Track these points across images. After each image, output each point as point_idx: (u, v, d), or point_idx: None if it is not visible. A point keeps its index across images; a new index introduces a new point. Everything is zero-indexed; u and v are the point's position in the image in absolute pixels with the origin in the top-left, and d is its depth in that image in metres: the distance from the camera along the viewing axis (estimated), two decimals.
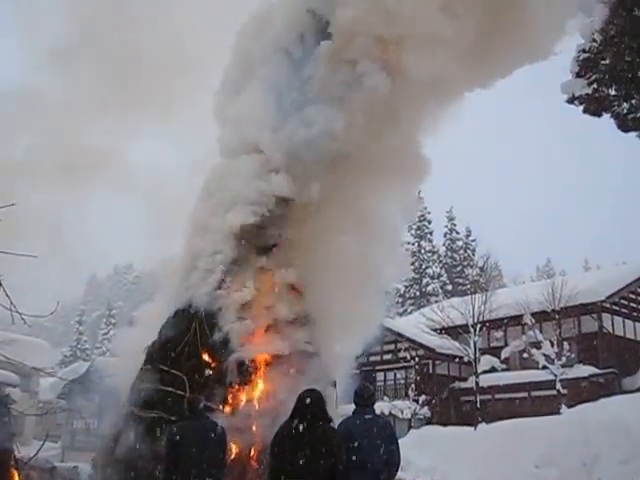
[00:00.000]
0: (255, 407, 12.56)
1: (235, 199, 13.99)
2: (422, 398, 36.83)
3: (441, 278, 64.01)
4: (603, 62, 17.97)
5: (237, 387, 12.84)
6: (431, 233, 66.75)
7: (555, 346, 30.63)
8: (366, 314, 14.51)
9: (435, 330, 37.12)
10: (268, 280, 13.90)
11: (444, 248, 68.65)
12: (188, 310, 13.46)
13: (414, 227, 65.16)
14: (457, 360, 37.68)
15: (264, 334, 13.16)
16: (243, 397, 12.83)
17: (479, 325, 33.87)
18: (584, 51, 18.03)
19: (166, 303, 14.32)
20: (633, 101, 18.22)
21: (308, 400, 7.39)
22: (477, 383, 33.43)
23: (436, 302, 44.88)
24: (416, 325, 39.02)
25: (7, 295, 6.70)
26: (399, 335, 39.17)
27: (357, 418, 8.02)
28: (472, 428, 27.44)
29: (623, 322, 36.97)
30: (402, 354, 39.36)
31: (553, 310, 32.58)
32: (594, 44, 17.81)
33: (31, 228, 16.61)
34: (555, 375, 30.06)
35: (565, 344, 30.94)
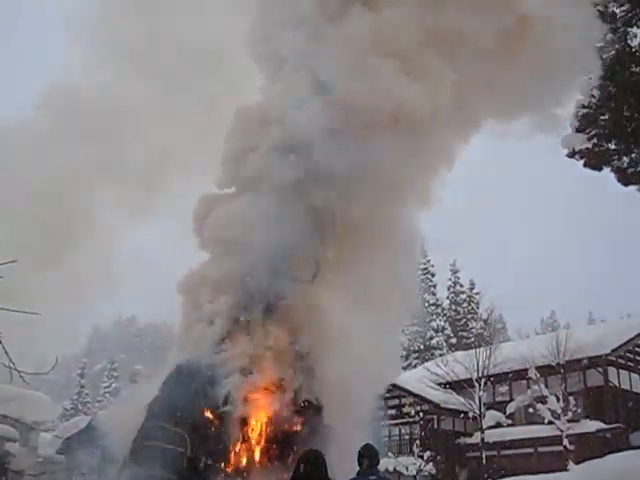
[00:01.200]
0: (256, 465, 12.43)
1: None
2: (427, 454, 36.31)
3: (445, 331, 63.64)
4: (602, 117, 18.17)
5: (238, 445, 12.72)
6: (435, 286, 66.57)
7: (561, 401, 30.31)
8: (368, 375, 14.47)
9: (439, 384, 36.79)
10: (270, 337, 13.87)
11: (448, 301, 68.42)
12: (190, 366, 13.40)
13: (417, 280, 65.04)
14: (462, 415, 37.23)
15: (265, 391, 13.08)
16: (244, 455, 12.71)
17: (484, 379, 33.56)
18: (583, 106, 18.25)
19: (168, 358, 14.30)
20: (633, 155, 18.36)
21: (306, 464, 7.14)
22: (482, 439, 33.02)
23: (440, 355, 44.50)
24: (420, 379, 38.69)
25: (6, 352, 6.65)
26: (403, 390, 38.82)
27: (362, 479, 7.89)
28: None
29: (629, 375, 36.61)
30: (406, 409, 38.97)
31: (558, 364, 32.30)
32: (593, 100, 18.03)
33: (34, 282, 16.70)
34: (561, 430, 29.68)
35: (571, 398, 30.58)
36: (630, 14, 18.09)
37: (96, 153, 18.90)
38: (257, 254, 14.07)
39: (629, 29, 18.21)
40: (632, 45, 18.16)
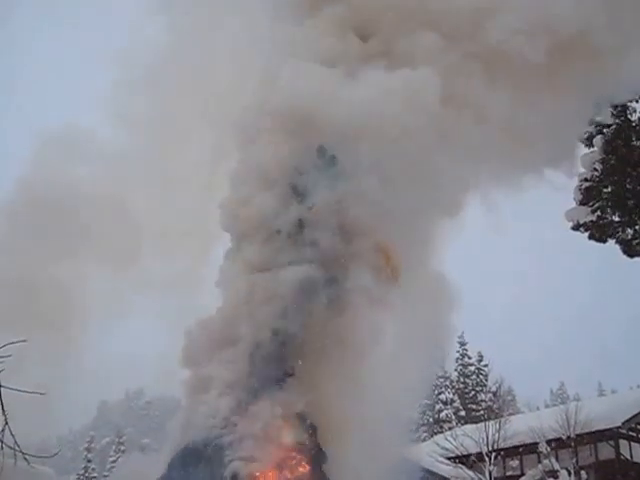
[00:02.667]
0: None
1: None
2: None
3: (454, 404, 62.91)
4: (605, 190, 18.39)
5: None
6: (442, 359, 66.08)
7: (572, 475, 29.77)
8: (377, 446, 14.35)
9: (449, 459, 36.18)
10: (281, 410, 13.79)
11: (456, 373, 67.80)
12: (196, 445, 13.28)
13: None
14: None
15: (273, 472, 12.94)
16: None
17: (494, 453, 33.02)
18: (586, 180, 18.49)
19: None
20: (637, 227, 18.50)
21: None
22: None
23: (450, 429, 43.87)
24: (430, 453, 38.09)
25: (12, 434, 6.65)
26: (413, 464, 38.13)
27: None
28: None
29: None
30: None
31: (568, 437, 31.82)
32: (595, 173, 18.27)
33: (40, 358, 16.72)
34: None
35: (582, 473, 30.07)
36: None
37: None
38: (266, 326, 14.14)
39: (629, 104, 18.55)
40: (632, 119, 18.47)
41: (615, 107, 18.51)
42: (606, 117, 18.24)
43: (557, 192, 18.89)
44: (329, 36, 16.84)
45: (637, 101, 18.53)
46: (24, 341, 6.86)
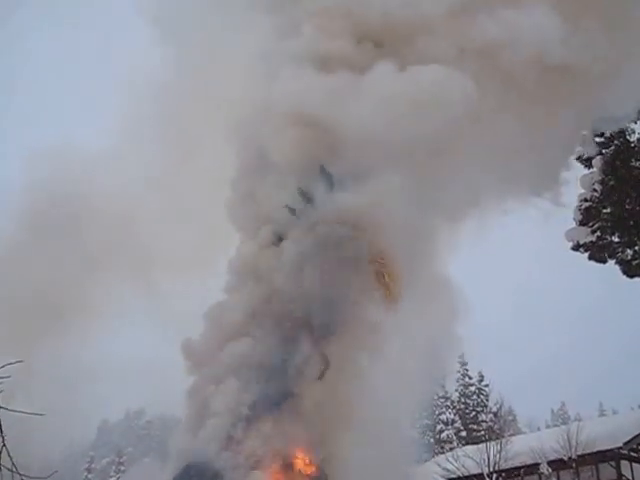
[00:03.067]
0: None
1: None
2: None
3: (455, 424, 62.66)
4: (605, 211, 18.46)
5: None
6: (443, 378, 65.87)
7: None
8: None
9: (450, 479, 36.00)
10: (281, 433, 13.76)
11: (457, 394, 67.56)
12: (197, 466, 13.24)
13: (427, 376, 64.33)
14: None
15: None
16: None
17: (495, 474, 32.87)
18: (586, 200, 18.56)
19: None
20: (637, 247, 18.57)
21: None
22: None
23: (451, 449, 43.67)
24: (431, 474, 37.89)
25: (10, 456, 6.65)
26: None
27: None
28: None
29: None
30: None
31: (570, 458, 31.68)
32: (595, 194, 18.35)
33: (41, 378, 16.71)
34: None
35: None
36: None
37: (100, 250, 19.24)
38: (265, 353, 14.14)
39: (627, 125, 18.66)
40: (631, 140, 18.57)
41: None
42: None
43: (557, 208, 18.86)
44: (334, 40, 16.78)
45: (636, 122, 18.65)
46: (21, 361, 6.88)
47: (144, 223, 19.06)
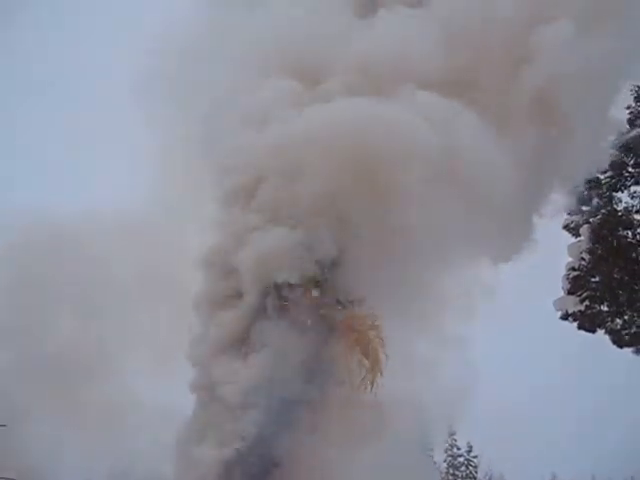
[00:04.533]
0: None
1: None
2: None
3: None
4: (593, 280, 18.38)
5: None
6: (431, 449, 64.83)
7: None
8: None
9: None
10: None
11: (445, 464, 66.47)
12: None
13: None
14: None
15: None
16: None
17: None
18: (574, 269, 18.48)
19: None
20: (626, 317, 18.42)
21: None
22: None
23: None
24: None
25: None
26: None
27: None
28: None
29: None
30: None
31: None
32: (583, 262, 18.28)
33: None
34: None
35: None
36: (614, 179, 18.61)
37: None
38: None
39: (614, 194, 18.70)
40: (618, 209, 18.59)
41: (600, 197, 18.66)
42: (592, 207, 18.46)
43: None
44: None
45: (622, 191, 18.69)
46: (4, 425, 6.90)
47: None
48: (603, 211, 18.46)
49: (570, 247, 18.80)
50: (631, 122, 18.60)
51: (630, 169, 18.51)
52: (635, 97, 18.68)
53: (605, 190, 18.61)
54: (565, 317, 18.79)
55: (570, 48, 14.32)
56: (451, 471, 65.94)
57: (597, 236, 18.05)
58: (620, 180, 18.56)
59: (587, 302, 18.37)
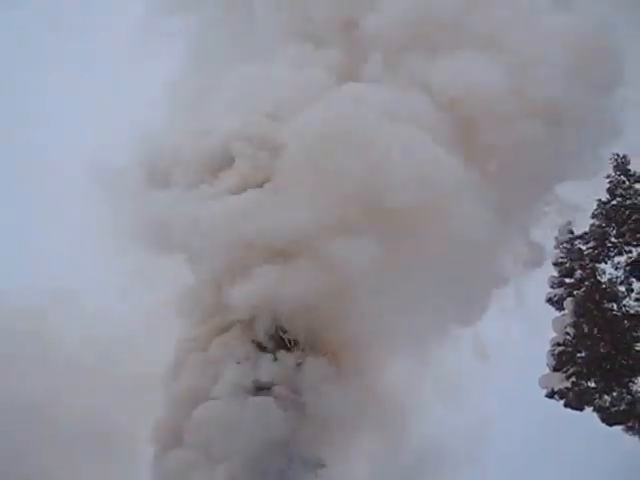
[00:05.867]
0: None
1: None
2: None
3: None
4: (579, 355, 17.83)
5: None
6: None
7: None
8: None
9: None
10: None
11: None
12: None
13: None
14: None
15: None
16: None
17: None
18: (559, 344, 17.96)
19: None
20: (614, 393, 17.79)
21: None
22: None
23: None
24: None
25: None
26: None
27: None
28: None
29: None
30: None
31: None
32: (568, 337, 17.78)
33: None
34: None
35: None
36: (597, 251, 18.22)
37: None
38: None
39: (597, 265, 18.27)
40: (602, 281, 18.13)
41: (583, 269, 18.24)
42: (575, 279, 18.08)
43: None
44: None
45: (605, 262, 18.29)
46: None
47: None
48: (587, 283, 17.97)
49: (554, 321, 18.31)
50: (611, 191, 18.31)
51: (613, 239, 18.12)
52: (614, 166, 18.42)
53: (588, 261, 18.23)
54: (551, 395, 18.14)
55: None
56: None
57: (581, 309, 17.57)
58: (603, 251, 18.18)
59: (573, 378, 17.77)
